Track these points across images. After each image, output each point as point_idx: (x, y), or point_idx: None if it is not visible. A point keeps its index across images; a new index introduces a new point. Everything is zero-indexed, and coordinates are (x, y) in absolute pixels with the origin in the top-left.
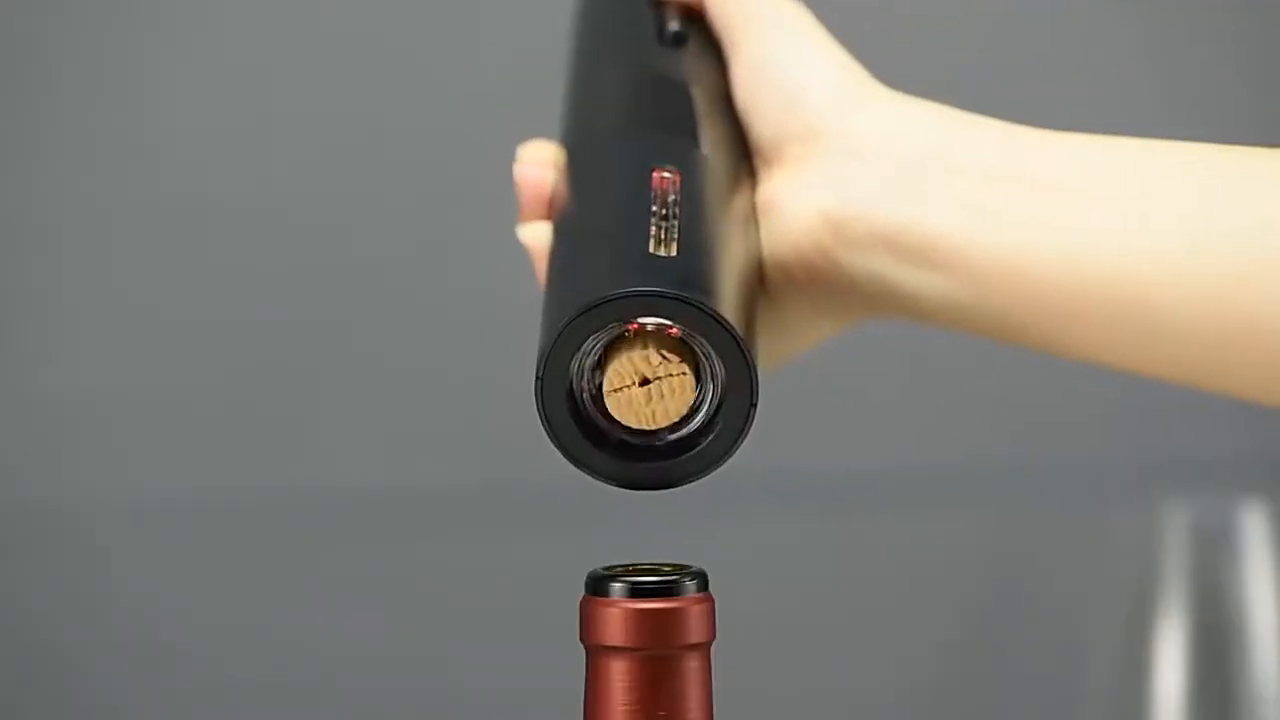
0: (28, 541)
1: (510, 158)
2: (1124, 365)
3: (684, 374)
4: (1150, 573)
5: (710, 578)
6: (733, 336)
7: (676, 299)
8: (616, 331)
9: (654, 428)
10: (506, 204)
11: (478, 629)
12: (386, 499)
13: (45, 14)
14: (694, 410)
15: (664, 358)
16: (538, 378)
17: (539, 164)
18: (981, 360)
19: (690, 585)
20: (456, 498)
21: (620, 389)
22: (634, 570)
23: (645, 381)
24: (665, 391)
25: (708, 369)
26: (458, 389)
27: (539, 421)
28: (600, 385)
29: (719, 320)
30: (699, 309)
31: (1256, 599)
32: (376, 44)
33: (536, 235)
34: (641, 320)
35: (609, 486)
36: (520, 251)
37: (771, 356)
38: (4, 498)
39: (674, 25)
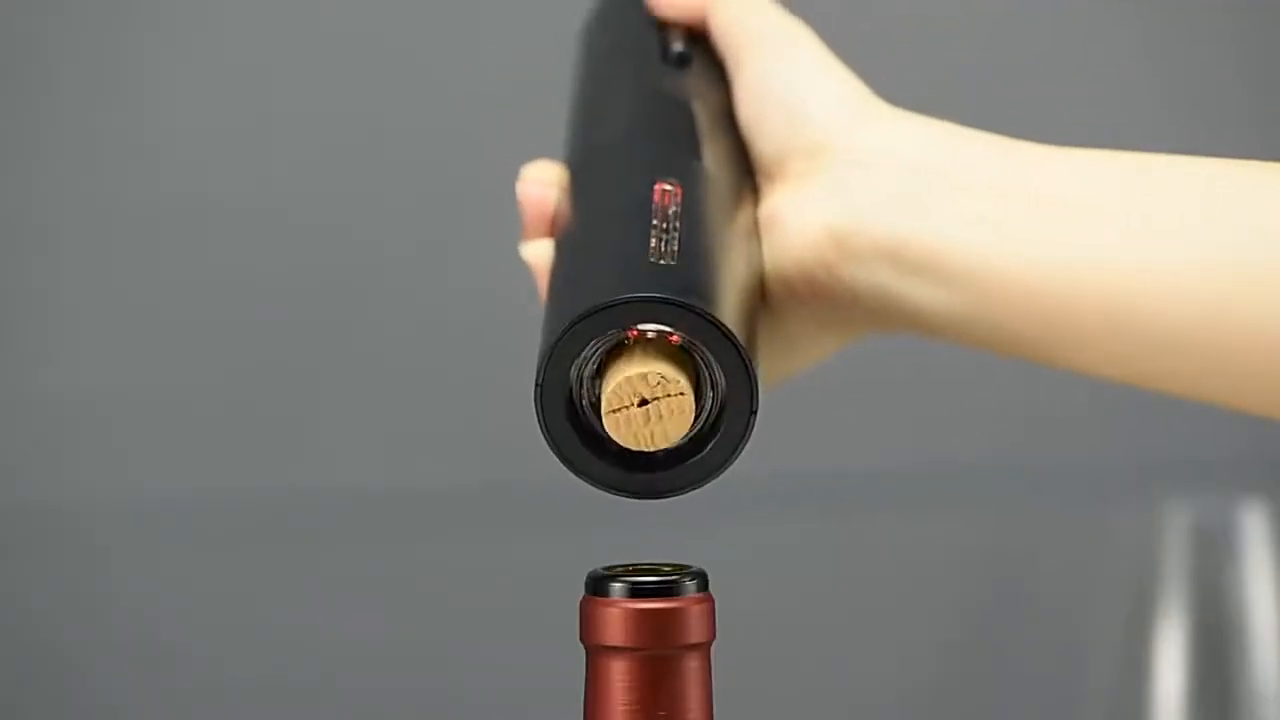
0: (28, 541)
1: (510, 158)
2: (1126, 378)
3: (682, 394)
4: (1150, 573)
5: (710, 578)
6: (732, 343)
7: (676, 304)
8: (616, 338)
9: (652, 450)
10: (506, 204)
11: (478, 629)
12: (386, 499)
13: (45, 14)
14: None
15: (663, 378)
16: (537, 385)
17: (542, 183)
18: (981, 361)
19: (690, 585)
20: (456, 498)
21: (619, 409)
22: (634, 570)
23: (644, 402)
24: (664, 412)
25: (707, 377)
26: (458, 389)
27: (538, 429)
28: (600, 395)
29: (719, 326)
30: (698, 315)
31: (1256, 599)
32: (376, 44)
33: (539, 253)
34: (641, 327)
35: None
36: (519, 251)
37: (774, 373)
38: (4, 498)
39: (678, 46)
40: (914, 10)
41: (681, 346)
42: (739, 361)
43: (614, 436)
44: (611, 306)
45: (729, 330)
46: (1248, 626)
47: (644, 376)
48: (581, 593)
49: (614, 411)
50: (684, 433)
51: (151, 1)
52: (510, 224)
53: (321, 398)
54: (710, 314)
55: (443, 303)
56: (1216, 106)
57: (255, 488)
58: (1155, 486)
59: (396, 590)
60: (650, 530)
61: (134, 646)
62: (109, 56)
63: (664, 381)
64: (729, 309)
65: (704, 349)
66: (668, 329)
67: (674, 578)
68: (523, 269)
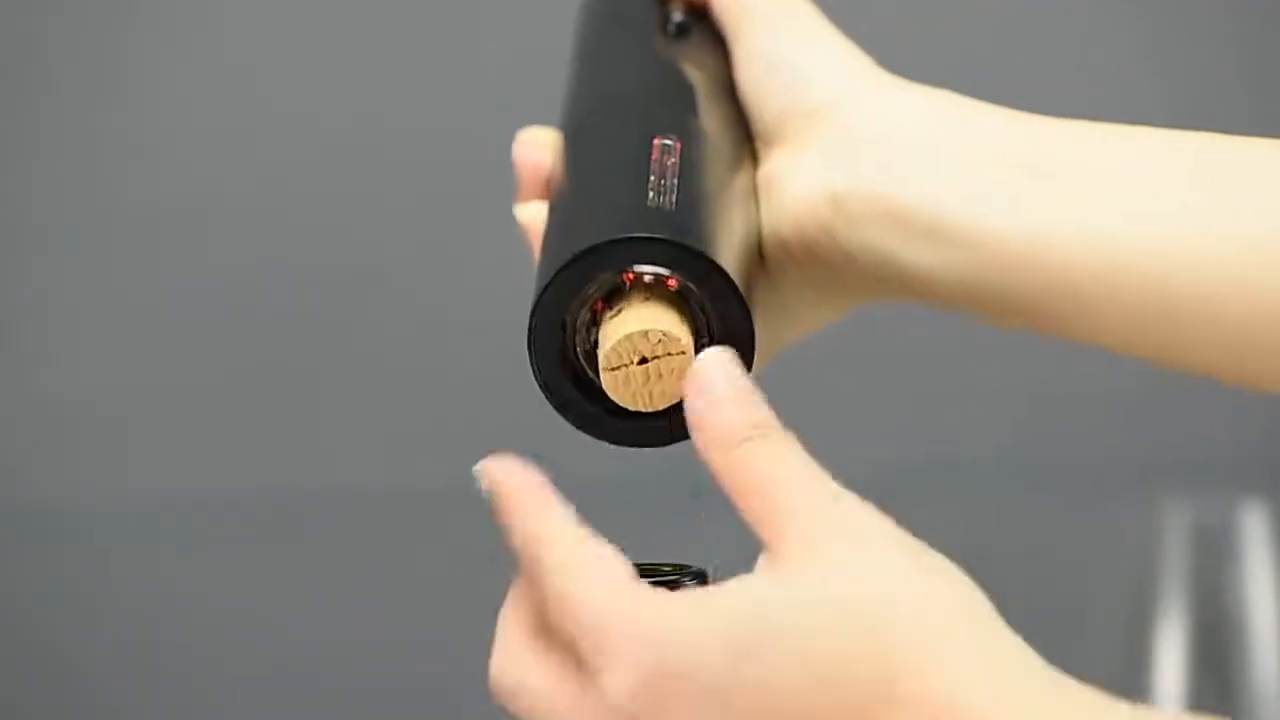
0: (28, 541)
1: (510, 159)
2: (1128, 348)
3: (683, 353)
4: (1150, 573)
5: (710, 578)
6: (729, 287)
7: (673, 244)
8: (611, 282)
9: (650, 410)
10: (507, 204)
11: (478, 629)
12: (386, 499)
13: (45, 14)
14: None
15: (664, 336)
16: (530, 329)
17: (537, 145)
18: (982, 360)
19: (690, 585)
20: (456, 498)
21: (618, 368)
22: (634, 570)
23: (644, 360)
24: (664, 371)
25: (704, 324)
26: (458, 389)
27: (532, 377)
28: (595, 342)
29: (716, 268)
30: (695, 255)
31: (1256, 599)
32: (376, 44)
33: (533, 214)
34: (637, 269)
35: (610, 485)
36: (521, 251)
37: (771, 341)
38: (4, 498)
39: (677, 17)
40: (914, 9)
41: (678, 292)
42: (737, 306)
43: (612, 396)
44: (607, 245)
45: (726, 272)
46: (1248, 626)
47: (645, 334)
48: None
49: (613, 369)
50: (682, 393)
51: (151, 1)
52: (510, 225)
53: (321, 398)
54: (707, 254)
55: (442, 302)
56: (1216, 106)
57: (255, 488)
58: (1155, 486)
59: (396, 590)
60: (650, 530)
61: (134, 646)
62: (109, 56)
63: (665, 339)
64: (727, 254)
65: (700, 293)
66: (665, 271)
67: (674, 578)
68: (522, 269)
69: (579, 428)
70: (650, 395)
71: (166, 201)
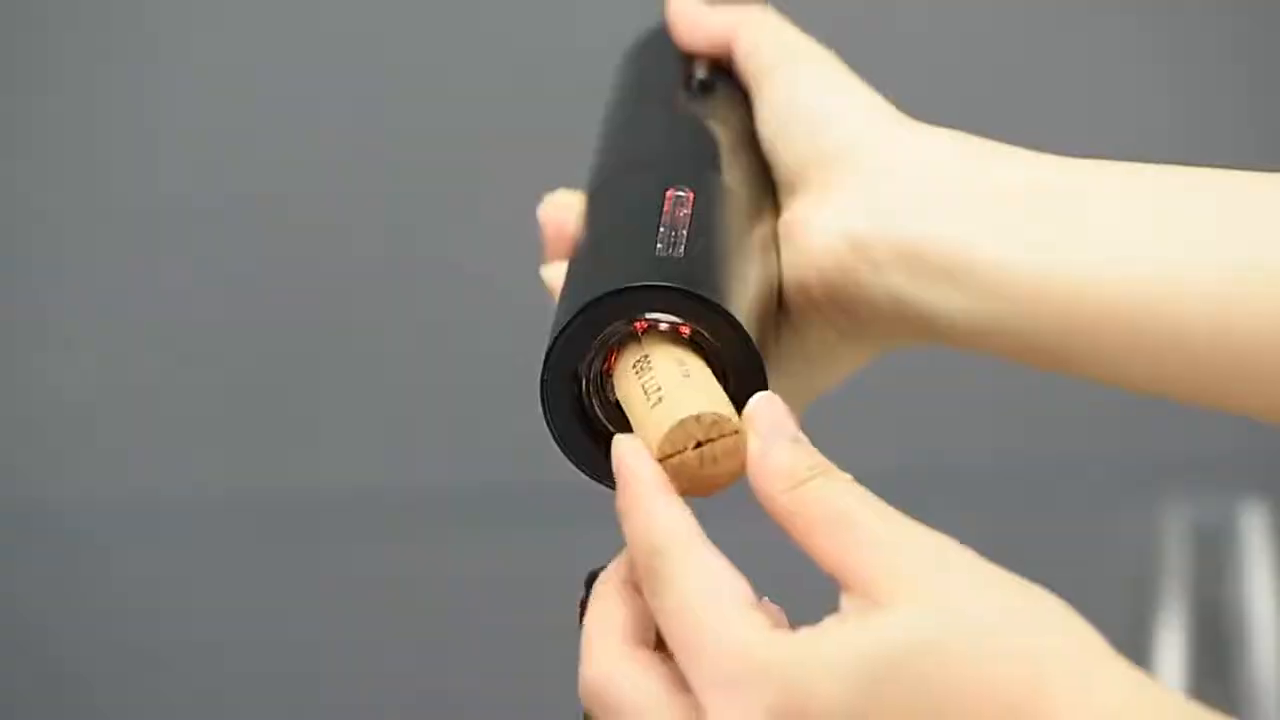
0: (28, 541)
1: (512, 159)
2: (1146, 387)
3: (735, 433)
4: (1150, 573)
5: None
6: (737, 329)
7: (678, 290)
8: (622, 331)
9: (705, 496)
10: (508, 206)
11: (478, 629)
12: (386, 499)
13: (45, 14)
14: None
15: (717, 418)
16: (542, 380)
17: (563, 206)
18: (981, 362)
19: None
20: (456, 498)
21: (673, 455)
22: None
23: (699, 445)
24: (719, 454)
25: (719, 371)
26: (458, 389)
27: (544, 424)
28: (612, 394)
29: (721, 312)
30: (701, 300)
31: (1256, 599)
32: (376, 44)
33: (557, 274)
34: (647, 317)
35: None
36: (520, 251)
37: (798, 392)
38: (4, 498)
39: (701, 74)
40: (916, 11)
41: (692, 340)
42: (746, 350)
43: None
44: (612, 295)
45: (733, 316)
46: (1248, 626)
47: (698, 419)
48: (581, 593)
49: (668, 458)
50: (740, 474)
51: (152, 2)
52: (511, 224)
53: (321, 398)
54: (714, 300)
55: (443, 302)
56: (1217, 107)
57: (255, 488)
58: (1155, 486)
59: (396, 590)
60: None
61: (134, 646)
62: (109, 56)
63: (718, 421)
64: (737, 301)
65: (711, 339)
66: (674, 319)
67: None
68: (522, 269)
69: (595, 480)
70: (704, 481)
71: (166, 201)
